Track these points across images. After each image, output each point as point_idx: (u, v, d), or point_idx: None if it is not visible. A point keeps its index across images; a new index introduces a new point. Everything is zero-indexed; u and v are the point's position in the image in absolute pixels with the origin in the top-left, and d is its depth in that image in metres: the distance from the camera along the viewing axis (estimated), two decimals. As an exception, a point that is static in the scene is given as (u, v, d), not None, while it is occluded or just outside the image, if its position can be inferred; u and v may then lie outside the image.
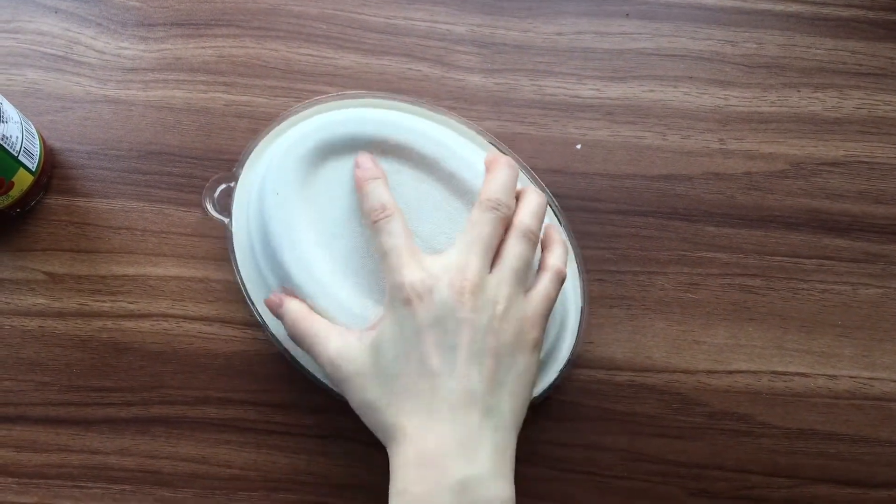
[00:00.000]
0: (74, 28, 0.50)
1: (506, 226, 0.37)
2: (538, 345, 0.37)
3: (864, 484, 0.44)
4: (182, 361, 0.45)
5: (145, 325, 0.46)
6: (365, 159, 0.40)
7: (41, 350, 0.45)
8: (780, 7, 0.52)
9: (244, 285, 0.42)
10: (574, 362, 0.44)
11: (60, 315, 0.46)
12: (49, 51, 0.50)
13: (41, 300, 0.46)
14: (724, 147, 0.49)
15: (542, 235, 0.40)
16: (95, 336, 0.45)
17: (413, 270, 0.35)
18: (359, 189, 0.39)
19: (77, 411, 0.45)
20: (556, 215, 0.45)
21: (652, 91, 0.50)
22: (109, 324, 0.46)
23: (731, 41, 0.52)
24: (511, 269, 0.36)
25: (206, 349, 0.45)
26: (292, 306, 0.38)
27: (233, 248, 0.42)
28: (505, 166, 0.39)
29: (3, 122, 0.42)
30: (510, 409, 0.35)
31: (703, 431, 0.45)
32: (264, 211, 0.39)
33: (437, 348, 0.34)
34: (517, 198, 0.39)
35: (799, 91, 0.51)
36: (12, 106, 0.44)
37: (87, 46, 0.50)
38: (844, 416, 0.45)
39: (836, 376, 0.46)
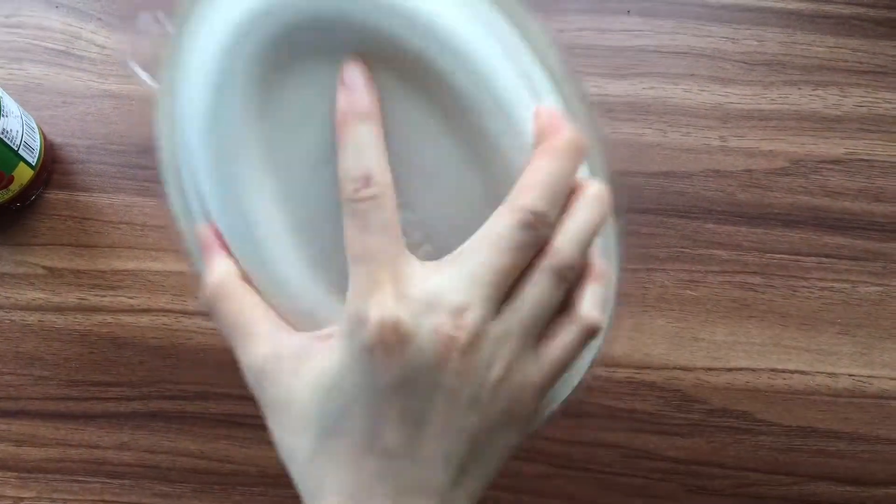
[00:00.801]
0: (75, 23, 0.50)
1: (539, 249, 0.24)
2: (534, 419, 0.27)
3: (862, 482, 0.44)
4: (181, 356, 0.45)
5: (145, 319, 0.46)
6: (354, 76, 0.24)
7: (40, 344, 0.45)
8: (780, 4, 0.52)
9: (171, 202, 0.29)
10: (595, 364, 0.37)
11: (60, 310, 0.46)
12: (50, 45, 0.50)
13: (41, 295, 0.46)
14: (725, 144, 0.49)
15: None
16: (95, 331, 0.45)
17: (387, 299, 0.23)
18: (338, 131, 0.25)
19: (76, 406, 0.45)
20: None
21: (652, 88, 0.50)
22: (109, 318, 0.46)
23: (732, 38, 0.51)
24: (526, 318, 0.24)
25: (205, 344, 0.45)
26: (220, 268, 0.26)
27: (160, 128, 0.28)
28: (563, 150, 0.25)
29: (3, 116, 0.42)
30: (470, 497, 0.26)
31: (702, 428, 0.45)
32: (189, 130, 0.26)
33: (400, 421, 0.24)
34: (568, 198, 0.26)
35: (799, 88, 0.51)
36: (13, 100, 0.44)
37: (88, 41, 0.50)
38: (843, 414, 0.45)
39: (835, 374, 0.46)
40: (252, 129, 0.25)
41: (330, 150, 0.25)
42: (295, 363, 0.26)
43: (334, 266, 0.26)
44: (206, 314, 0.30)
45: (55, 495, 0.43)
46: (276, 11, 0.24)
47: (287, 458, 0.26)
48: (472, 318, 0.23)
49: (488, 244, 0.24)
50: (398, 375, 0.23)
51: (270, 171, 0.26)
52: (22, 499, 0.43)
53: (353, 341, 0.24)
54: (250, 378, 0.27)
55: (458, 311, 0.23)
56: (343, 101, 0.24)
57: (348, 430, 0.24)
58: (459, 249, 0.25)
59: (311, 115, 0.25)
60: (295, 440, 0.26)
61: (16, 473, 0.44)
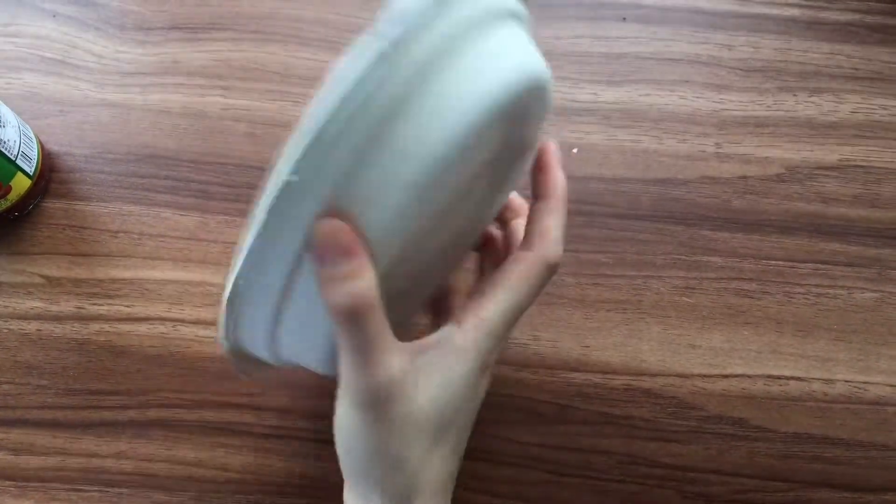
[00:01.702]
0: (73, 32, 0.51)
1: None
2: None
3: (859, 488, 0.44)
4: (179, 365, 0.45)
5: (142, 328, 0.46)
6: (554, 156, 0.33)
7: (38, 353, 0.45)
8: (776, 11, 0.52)
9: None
10: None
11: (58, 318, 0.46)
12: (47, 55, 0.50)
13: (38, 303, 0.46)
14: (720, 151, 0.49)
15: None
16: (92, 339, 0.46)
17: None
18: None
19: (74, 414, 0.45)
20: None
21: (648, 95, 0.50)
22: (107, 327, 0.46)
23: (728, 45, 0.52)
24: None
25: (202, 353, 0.45)
26: (368, 277, 0.25)
27: None
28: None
29: (1, 126, 0.42)
30: None
31: (698, 435, 0.45)
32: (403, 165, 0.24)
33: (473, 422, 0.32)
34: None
35: (795, 95, 0.51)
36: (10, 110, 0.45)
37: (85, 50, 0.50)
38: (840, 421, 0.45)
39: (831, 380, 0.46)
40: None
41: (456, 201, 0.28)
42: (418, 376, 0.28)
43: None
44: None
45: (54, 503, 0.43)
46: (535, 79, 0.27)
47: (392, 466, 0.29)
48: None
49: (528, 292, 0.30)
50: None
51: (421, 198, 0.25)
52: (20, 507, 0.43)
53: (479, 359, 0.29)
54: (368, 396, 0.27)
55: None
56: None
57: (451, 436, 0.30)
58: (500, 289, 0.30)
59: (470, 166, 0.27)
60: (408, 448, 0.28)
61: (14, 482, 0.44)
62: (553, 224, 0.31)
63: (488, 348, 0.29)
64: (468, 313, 0.30)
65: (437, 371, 0.28)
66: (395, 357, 0.27)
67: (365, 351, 0.26)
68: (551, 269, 0.31)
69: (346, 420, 0.29)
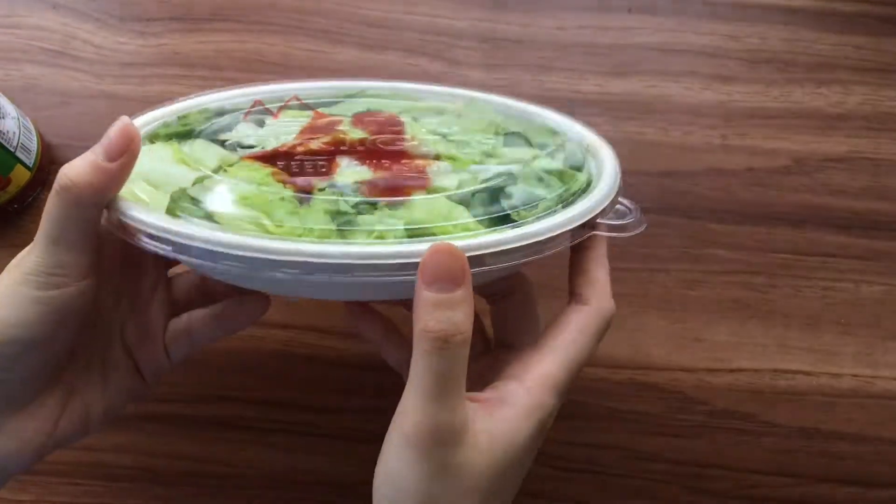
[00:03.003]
0: (72, 23, 0.50)
1: None
2: None
3: (866, 483, 0.44)
4: (180, 358, 0.45)
5: (143, 321, 0.45)
6: None
7: (39, 347, 0.45)
8: (784, 1, 0.52)
9: None
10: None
11: (58, 311, 0.45)
12: (47, 46, 0.50)
13: (39, 297, 0.46)
14: (727, 143, 0.49)
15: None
16: (93, 333, 0.45)
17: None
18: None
19: (75, 408, 0.44)
20: None
21: (654, 86, 0.50)
22: (107, 320, 0.45)
23: (735, 36, 0.51)
24: None
25: (203, 347, 0.45)
26: (469, 309, 0.26)
27: None
28: None
29: (0, 117, 0.42)
30: None
31: (704, 430, 0.45)
32: None
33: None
34: None
35: (802, 86, 0.50)
36: (9, 101, 0.44)
37: (84, 41, 0.50)
38: (847, 415, 0.45)
39: (838, 374, 0.45)
40: None
41: None
42: (482, 432, 0.27)
43: None
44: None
45: (54, 497, 0.43)
46: None
47: None
48: None
49: (589, 345, 0.30)
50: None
51: None
52: (21, 501, 0.43)
53: (544, 420, 0.28)
54: (436, 436, 0.25)
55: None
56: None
57: (504, 495, 0.28)
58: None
59: None
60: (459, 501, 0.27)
61: (14, 476, 0.43)
62: (603, 275, 0.32)
63: (554, 407, 0.29)
64: (530, 371, 0.29)
65: (502, 432, 0.27)
66: (468, 404, 0.26)
67: (448, 387, 0.25)
68: (608, 322, 0.31)
69: (397, 463, 0.26)
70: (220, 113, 0.35)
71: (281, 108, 0.35)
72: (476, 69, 0.50)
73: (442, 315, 0.25)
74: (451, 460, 0.26)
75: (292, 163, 0.31)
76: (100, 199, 0.28)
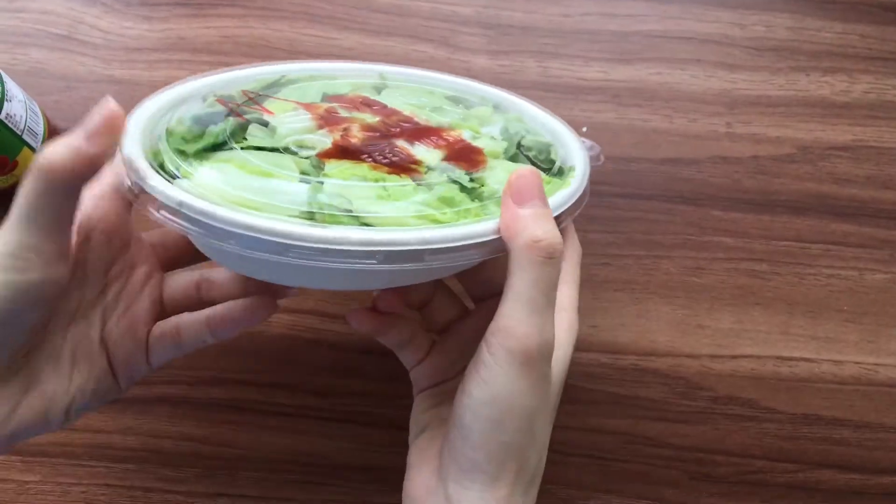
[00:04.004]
0: (79, 7, 0.50)
1: None
2: None
3: (867, 470, 0.44)
4: (185, 342, 0.45)
5: (149, 305, 0.45)
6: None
7: (45, 329, 0.45)
8: (789, -11, 0.52)
9: None
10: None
11: (64, 294, 0.46)
12: (53, 30, 0.50)
13: (45, 279, 0.46)
14: (731, 131, 0.49)
15: None
16: (99, 316, 0.45)
17: None
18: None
19: (80, 390, 0.45)
20: None
21: (659, 74, 0.50)
22: (113, 303, 0.45)
23: (740, 24, 0.51)
24: None
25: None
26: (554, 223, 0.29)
27: None
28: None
29: (7, 100, 0.42)
30: None
31: (706, 416, 0.45)
32: None
33: None
34: None
35: (808, 75, 0.50)
36: (16, 85, 0.44)
37: (91, 26, 0.50)
38: (849, 402, 0.45)
39: (841, 362, 0.46)
40: None
41: None
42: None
43: None
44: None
45: (60, 479, 0.43)
46: None
47: (533, 438, 0.28)
48: None
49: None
50: None
51: None
52: (27, 482, 0.43)
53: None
54: (545, 351, 0.27)
55: None
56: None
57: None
58: None
59: None
60: (548, 422, 0.30)
61: (20, 457, 0.44)
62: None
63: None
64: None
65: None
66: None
67: (551, 299, 0.27)
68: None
69: (504, 380, 0.27)
70: (199, 121, 0.32)
71: (252, 103, 0.34)
72: (480, 55, 0.50)
73: (547, 225, 0.27)
74: (547, 372, 0.28)
75: (377, 155, 0.31)
76: (76, 183, 0.27)
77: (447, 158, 0.32)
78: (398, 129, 0.33)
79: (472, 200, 0.29)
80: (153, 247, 0.36)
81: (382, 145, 0.31)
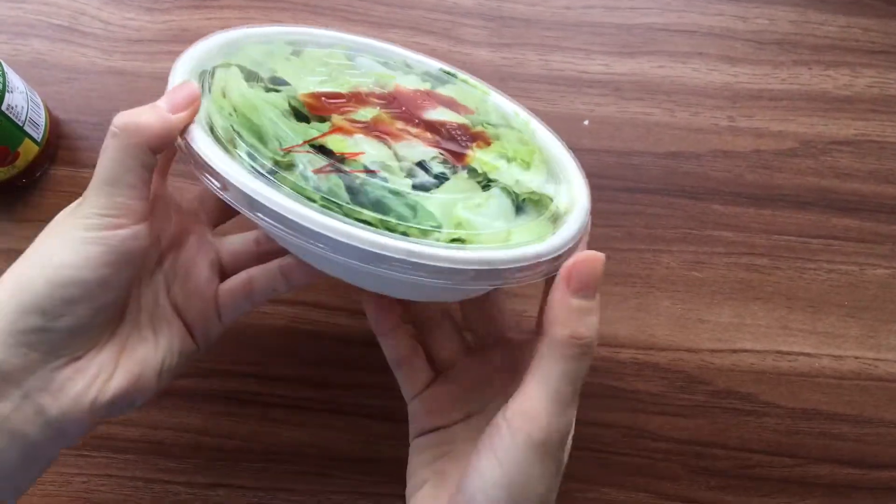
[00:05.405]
0: (80, -2, 0.50)
1: None
2: None
3: (866, 464, 0.44)
4: (186, 333, 0.45)
5: (150, 296, 0.46)
6: None
7: (46, 320, 0.45)
8: (793, -17, 0.51)
9: None
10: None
11: (65, 285, 0.46)
12: (55, 21, 0.50)
13: (46, 270, 0.46)
14: (733, 124, 0.49)
15: None
16: (100, 307, 0.45)
17: None
18: None
19: (82, 381, 0.45)
20: None
21: (661, 67, 0.50)
22: (114, 295, 0.46)
23: (742, 17, 0.51)
24: None
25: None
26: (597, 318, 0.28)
27: None
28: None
29: (8, 92, 0.42)
30: None
31: (705, 410, 0.45)
32: None
33: None
34: None
35: (810, 68, 0.50)
36: (18, 76, 0.44)
37: (92, 17, 0.50)
38: (848, 397, 0.45)
39: (841, 357, 0.46)
40: None
41: None
42: None
43: None
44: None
45: (61, 469, 0.44)
46: None
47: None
48: None
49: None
50: None
51: None
52: (28, 472, 0.44)
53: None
54: (558, 440, 0.27)
55: None
56: None
57: None
58: None
59: None
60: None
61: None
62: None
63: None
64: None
65: None
66: None
67: (577, 393, 0.27)
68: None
69: (524, 467, 0.27)
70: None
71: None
72: (482, 48, 0.50)
73: (590, 321, 0.26)
74: (562, 458, 0.28)
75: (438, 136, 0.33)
76: (158, 146, 0.29)
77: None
78: (451, 132, 0.34)
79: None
80: (195, 214, 0.37)
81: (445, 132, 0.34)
